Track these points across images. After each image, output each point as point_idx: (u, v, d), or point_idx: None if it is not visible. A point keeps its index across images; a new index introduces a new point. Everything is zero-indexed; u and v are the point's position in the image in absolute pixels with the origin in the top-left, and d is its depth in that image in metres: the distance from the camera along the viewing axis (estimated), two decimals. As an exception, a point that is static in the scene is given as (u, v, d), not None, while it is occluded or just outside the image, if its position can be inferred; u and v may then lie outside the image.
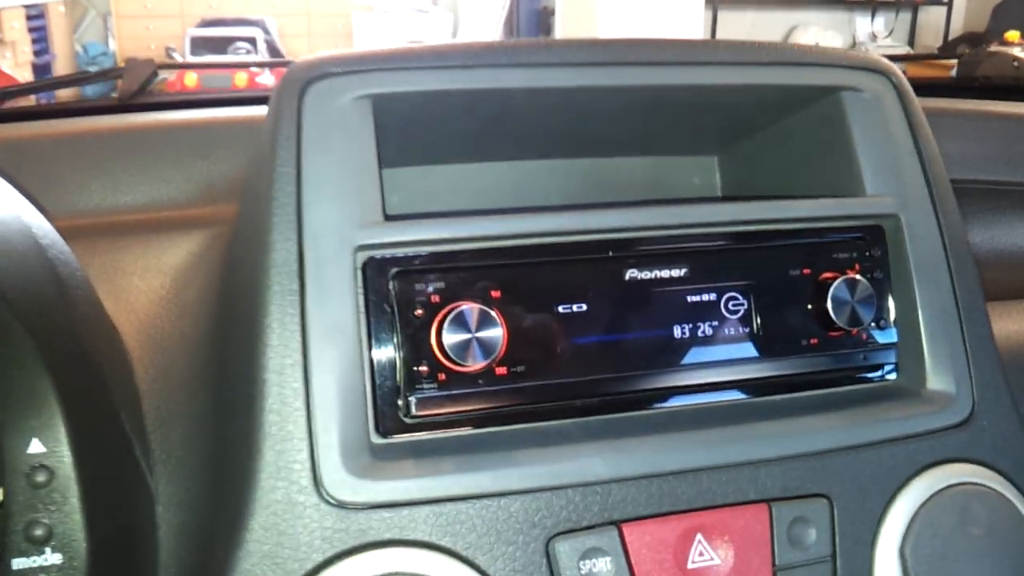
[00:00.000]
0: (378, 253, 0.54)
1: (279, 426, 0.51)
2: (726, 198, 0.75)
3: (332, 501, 0.51)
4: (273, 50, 6.56)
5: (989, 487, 0.59)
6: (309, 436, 0.51)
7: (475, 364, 0.54)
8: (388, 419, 0.54)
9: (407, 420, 0.54)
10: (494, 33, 6.31)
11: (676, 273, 0.59)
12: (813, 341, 0.61)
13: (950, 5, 7.11)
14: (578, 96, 0.61)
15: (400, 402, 0.54)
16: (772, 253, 0.61)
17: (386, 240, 0.54)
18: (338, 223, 0.53)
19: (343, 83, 0.56)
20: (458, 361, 0.53)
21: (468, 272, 0.55)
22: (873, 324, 0.62)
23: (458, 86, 0.57)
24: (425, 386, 0.54)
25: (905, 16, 7.38)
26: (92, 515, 0.47)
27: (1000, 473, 0.60)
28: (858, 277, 0.60)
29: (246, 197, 0.59)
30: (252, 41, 6.45)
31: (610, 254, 0.58)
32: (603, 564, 0.53)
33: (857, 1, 7.15)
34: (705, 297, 0.59)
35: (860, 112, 0.64)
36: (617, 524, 0.53)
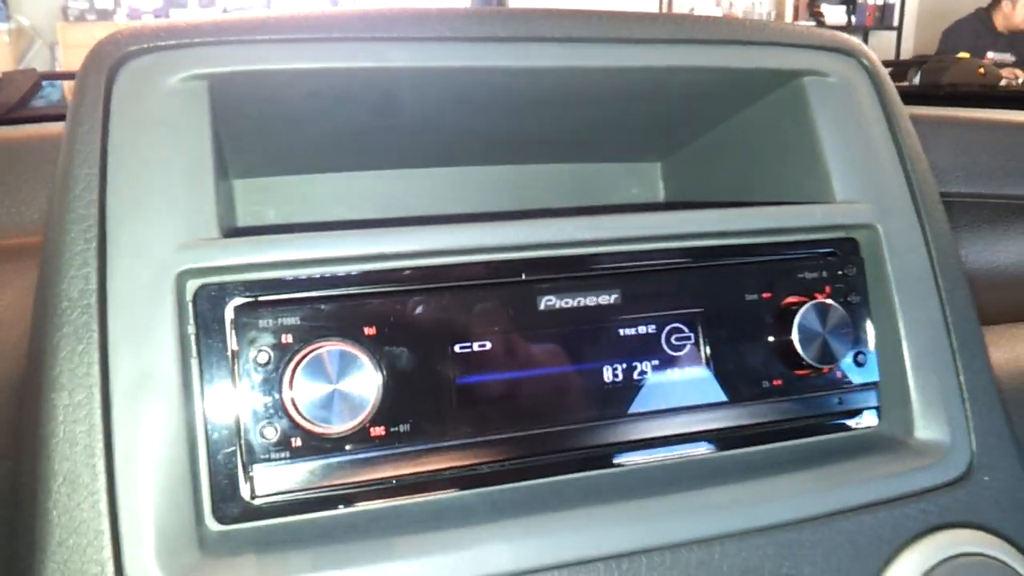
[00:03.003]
0: (213, 279, 0.41)
1: (68, 514, 0.38)
2: (666, 205, 0.63)
3: None
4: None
5: (994, 558, 0.49)
6: (112, 526, 0.38)
7: (340, 424, 0.41)
8: (227, 500, 0.41)
9: (252, 501, 0.41)
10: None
11: (605, 301, 0.47)
12: (776, 382, 0.49)
13: (900, 29, 7.21)
14: (481, 81, 0.49)
15: (242, 477, 0.41)
16: (724, 274, 0.49)
17: (222, 263, 0.41)
18: (156, 241, 0.41)
19: (168, 60, 0.43)
20: (317, 421, 0.41)
21: (332, 304, 0.43)
22: (849, 359, 0.50)
23: (324, 64, 0.45)
24: (275, 455, 0.41)
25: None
26: None
27: (1007, 540, 0.50)
28: (829, 302, 0.49)
29: (48, 210, 0.46)
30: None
31: (523, 277, 0.46)
32: None
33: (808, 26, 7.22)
34: (642, 330, 0.48)
35: (826, 101, 0.53)
36: None
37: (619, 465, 0.47)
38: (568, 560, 0.42)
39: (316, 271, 0.43)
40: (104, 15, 6.91)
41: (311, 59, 0.45)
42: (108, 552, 0.38)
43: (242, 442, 0.41)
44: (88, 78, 0.43)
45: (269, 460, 0.41)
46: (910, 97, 1.39)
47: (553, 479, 0.46)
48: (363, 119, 0.52)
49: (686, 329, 0.48)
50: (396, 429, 0.43)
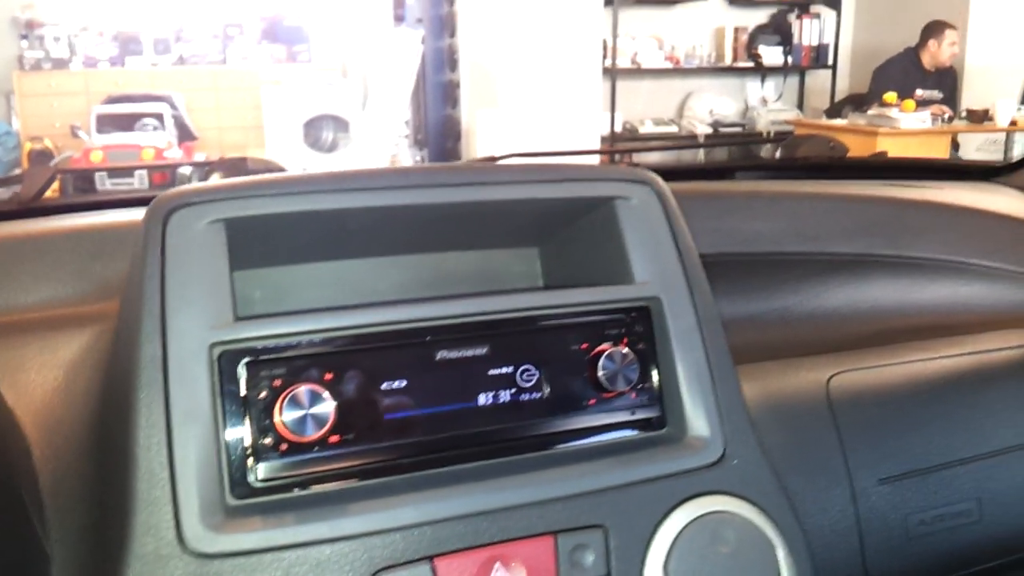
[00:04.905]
0: (230, 347, 0.67)
1: (148, 492, 0.63)
2: (519, 290, 0.90)
3: (193, 552, 0.63)
4: (181, 126, 6.59)
5: (736, 513, 0.74)
6: (174, 500, 0.63)
7: (310, 435, 0.67)
8: (240, 484, 0.66)
9: (256, 484, 0.67)
10: (402, 104, 6.49)
11: (479, 352, 0.73)
12: (592, 401, 0.76)
13: (834, 69, 7.61)
14: (402, 210, 0.76)
15: (250, 469, 0.67)
16: (557, 332, 0.76)
17: (236, 337, 0.67)
18: (196, 325, 0.66)
19: (199, 211, 0.69)
20: (296, 433, 0.66)
21: (304, 359, 0.69)
22: (640, 385, 0.77)
23: (297, 208, 0.71)
24: (270, 455, 0.67)
25: (793, 80, 7.87)
26: None
27: (748, 501, 0.75)
28: (624, 349, 0.76)
29: (123, 303, 0.72)
30: (159, 117, 6.46)
31: (427, 339, 0.72)
32: None
33: (747, 68, 7.60)
34: (504, 370, 0.74)
35: (629, 216, 0.80)
36: (430, 558, 0.66)
37: (489, 458, 0.73)
38: (454, 515, 0.67)
39: (293, 339, 0.69)
40: (60, 64, 7.07)
41: (289, 205, 0.71)
42: (171, 515, 0.63)
43: (249, 447, 0.67)
44: (151, 223, 0.69)
45: (267, 458, 0.67)
46: (771, 169, 1.69)
47: (446, 469, 0.71)
48: (326, 233, 0.79)
49: (533, 368, 0.75)
50: (346, 437, 0.69)
